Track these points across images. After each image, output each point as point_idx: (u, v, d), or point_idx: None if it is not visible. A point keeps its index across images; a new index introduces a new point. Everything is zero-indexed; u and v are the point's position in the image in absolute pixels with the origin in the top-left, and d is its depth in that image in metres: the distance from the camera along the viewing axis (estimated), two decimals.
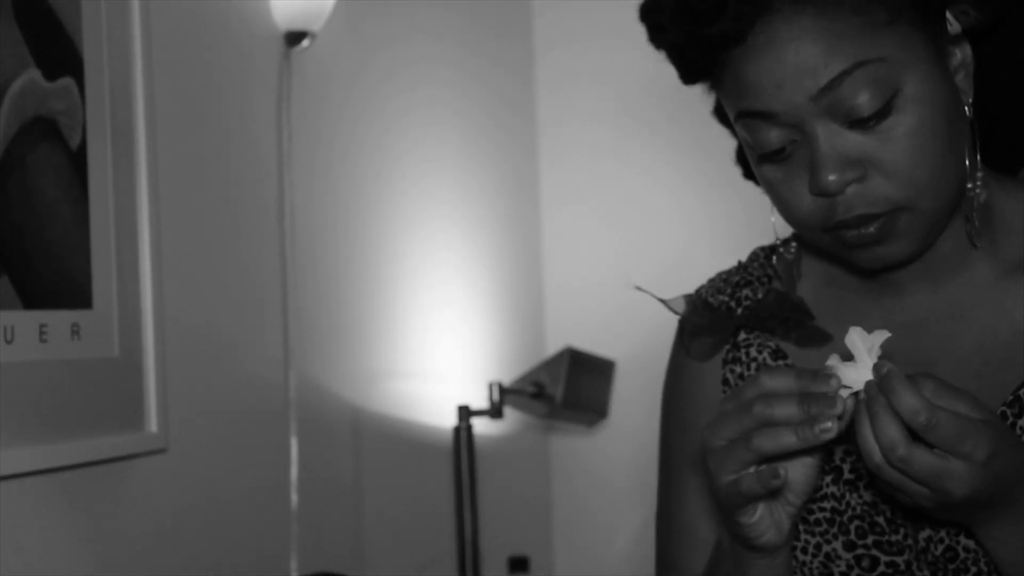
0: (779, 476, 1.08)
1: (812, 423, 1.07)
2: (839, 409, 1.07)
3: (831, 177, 1.14)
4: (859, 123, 1.13)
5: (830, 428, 1.07)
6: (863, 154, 1.14)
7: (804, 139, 1.15)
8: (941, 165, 1.15)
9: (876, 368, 1.07)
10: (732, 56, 1.15)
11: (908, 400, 1.05)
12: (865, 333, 1.09)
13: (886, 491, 1.15)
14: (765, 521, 1.13)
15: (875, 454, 1.07)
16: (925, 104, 1.14)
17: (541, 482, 3.22)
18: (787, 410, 1.08)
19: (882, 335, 1.09)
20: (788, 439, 1.08)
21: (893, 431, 1.05)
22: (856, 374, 1.09)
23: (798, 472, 1.13)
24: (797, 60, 1.13)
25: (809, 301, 1.28)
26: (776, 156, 1.17)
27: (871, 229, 1.15)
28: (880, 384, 1.06)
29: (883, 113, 1.13)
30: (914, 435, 1.06)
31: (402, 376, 2.73)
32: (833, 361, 1.09)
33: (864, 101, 1.12)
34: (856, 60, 1.12)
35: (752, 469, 1.10)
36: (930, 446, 1.06)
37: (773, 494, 1.12)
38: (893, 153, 1.14)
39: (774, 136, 1.16)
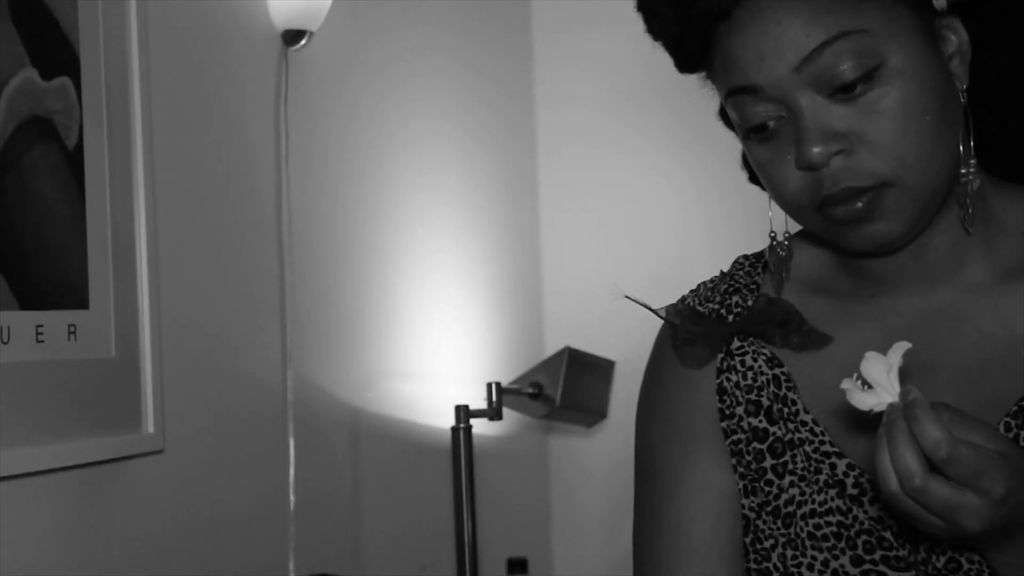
0: None
1: None
2: None
3: (816, 149, 1.14)
4: (842, 92, 1.14)
5: None
6: (848, 127, 1.14)
7: (790, 115, 1.16)
8: (929, 141, 1.15)
9: (903, 394, 1.05)
10: (719, 34, 1.17)
11: (931, 431, 1.03)
12: (882, 356, 1.06)
13: (898, 517, 1.13)
14: None
15: (891, 481, 1.05)
16: (911, 78, 1.14)
17: (540, 483, 3.22)
18: None
19: (901, 348, 1.06)
20: None
21: (911, 460, 1.04)
22: (875, 399, 1.06)
23: None
24: (779, 32, 1.14)
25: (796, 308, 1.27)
26: (763, 132, 1.18)
27: (859, 204, 1.15)
28: (904, 410, 1.05)
29: (866, 81, 1.13)
30: (932, 465, 1.04)
31: (400, 377, 2.72)
32: (847, 385, 1.07)
33: (846, 69, 1.13)
34: (838, 31, 1.13)
35: None
36: (947, 477, 1.04)
37: None
38: (878, 125, 1.14)
39: (760, 111, 1.17)
